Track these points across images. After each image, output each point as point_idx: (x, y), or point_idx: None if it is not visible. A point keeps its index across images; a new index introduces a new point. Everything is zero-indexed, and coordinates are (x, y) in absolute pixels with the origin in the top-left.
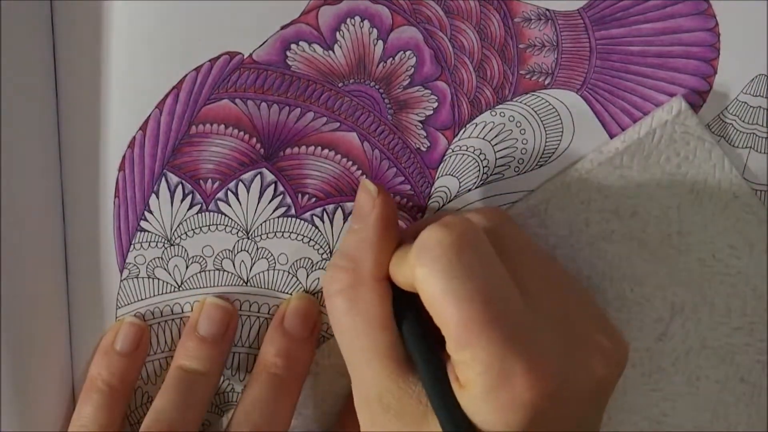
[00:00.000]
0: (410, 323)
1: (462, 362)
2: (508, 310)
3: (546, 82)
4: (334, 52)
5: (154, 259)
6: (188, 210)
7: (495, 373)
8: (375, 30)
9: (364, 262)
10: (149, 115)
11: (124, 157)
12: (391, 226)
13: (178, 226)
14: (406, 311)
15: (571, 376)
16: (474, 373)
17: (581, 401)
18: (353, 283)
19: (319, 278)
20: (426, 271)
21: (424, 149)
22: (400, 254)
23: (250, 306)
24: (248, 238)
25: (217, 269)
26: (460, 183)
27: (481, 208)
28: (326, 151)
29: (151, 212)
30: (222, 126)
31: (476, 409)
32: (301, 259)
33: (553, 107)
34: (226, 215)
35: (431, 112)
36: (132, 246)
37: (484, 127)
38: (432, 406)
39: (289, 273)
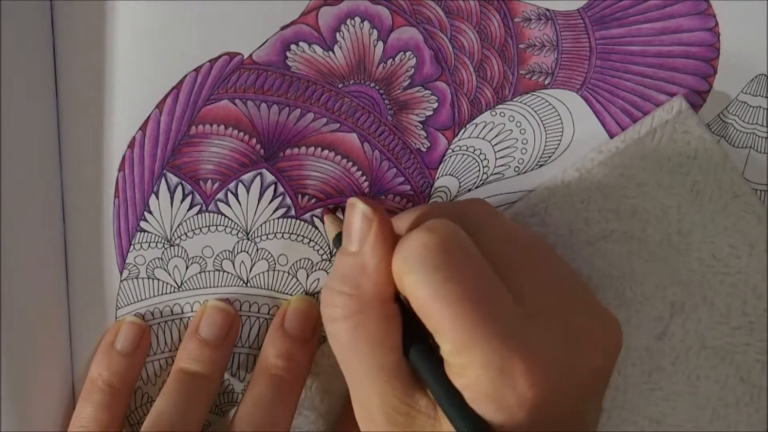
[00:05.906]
0: (418, 339)
1: (460, 365)
2: (500, 308)
3: (546, 82)
4: (334, 52)
5: (154, 259)
6: (188, 210)
7: (495, 371)
8: (375, 31)
9: (367, 287)
10: (149, 116)
11: (124, 157)
12: (391, 247)
13: (178, 226)
14: (415, 325)
15: (570, 369)
16: (474, 374)
17: (582, 391)
18: (357, 310)
19: (319, 279)
20: (414, 277)
21: (424, 149)
22: None
23: (250, 306)
24: (248, 239)
25: (217, 270)
26: (460, 183)
27: (463, 201)
28: (326, 151)
29: (151, 212)
30: (222, 126)
31: (480, 410)
32: (301, 259)
33: (553, 107)
34: (226, 216)
35: (431, 112)
36: (132, 246)
37: (484, 127)
38: (450, 420)
39: (289, 274)
